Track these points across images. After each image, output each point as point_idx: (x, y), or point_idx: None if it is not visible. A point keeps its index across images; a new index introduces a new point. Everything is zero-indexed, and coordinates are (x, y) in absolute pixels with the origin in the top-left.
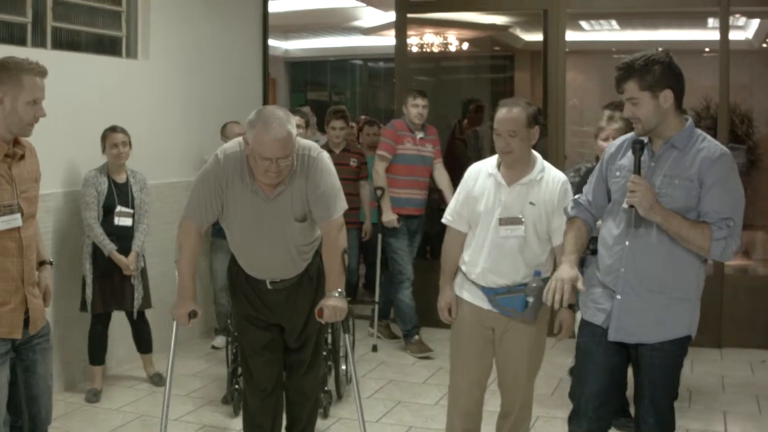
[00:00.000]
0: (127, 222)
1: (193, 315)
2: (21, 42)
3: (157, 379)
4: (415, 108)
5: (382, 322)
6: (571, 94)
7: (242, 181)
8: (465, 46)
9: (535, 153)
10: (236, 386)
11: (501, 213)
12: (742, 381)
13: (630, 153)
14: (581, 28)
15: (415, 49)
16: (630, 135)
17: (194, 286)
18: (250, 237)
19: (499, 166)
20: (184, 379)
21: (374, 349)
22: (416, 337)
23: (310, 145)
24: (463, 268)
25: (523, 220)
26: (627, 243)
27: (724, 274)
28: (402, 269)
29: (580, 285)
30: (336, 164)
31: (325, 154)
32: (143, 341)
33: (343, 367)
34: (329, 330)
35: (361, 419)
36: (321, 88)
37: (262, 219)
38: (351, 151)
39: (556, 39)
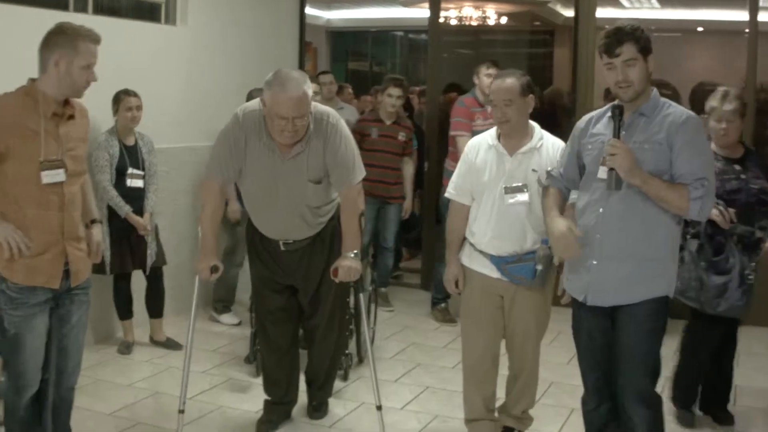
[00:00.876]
0: (138, 183)
1: (214, 269)
2: (63, 7)
3: (171, 343)
4: (489, 78)
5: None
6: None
7: (260, 140)
8: (503, 20)
9: (532, 122)
10: (258, 347)
11: (505, 182)
12: (759, 358)
13: (600, 123)
14: (621, 6)
15: (453, 22)
16: (597, 111)
17: (215, 243)
18: (264, 196)
19: (499, 137)
20: (211, 336)
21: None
22: (443, 305)
23: (329, 110)
24: (471, 239)
25: (527, 187)
26: (601, 210)
27: None
28: None
29: (576, 231)
30: (384, 136)
31: (343, 121)
32: (156, 304)
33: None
34: (351, 296)
35: (373, 375)
36: (362, 58)
37: (277, 178)
38: (401, 125)
39: (586, 15)
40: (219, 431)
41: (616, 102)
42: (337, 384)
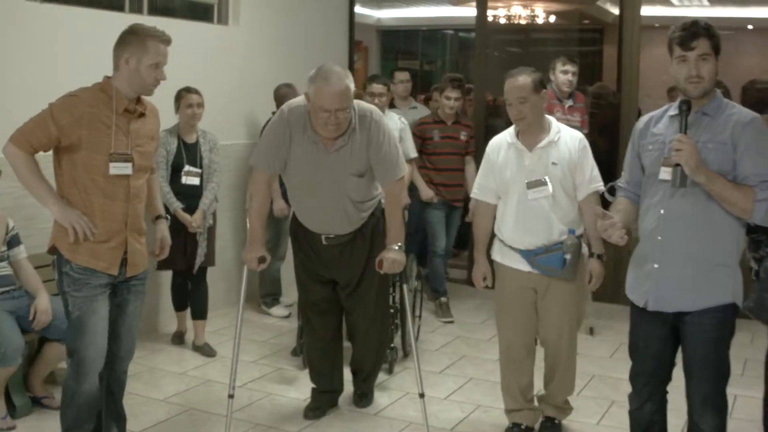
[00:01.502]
0: (194, 181)
1: (262, 260)
2: (119, 8)
3: (207, 350)
4: (565, 75)
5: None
6: (661, 70)
7: (304, 134)
8: (552, 18)
9: (548, 116)
10: (303, 340)
11: (527, 177)
12: None
13: (661, 123)
14: (670, 3)
15: (502, 21)
16: (656, 111)
17: (264, 234)
18: (308, 188)
19: (517, 135)
20: (260, 328)
21: None
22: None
23: (371, 107)
24: (500, 236)
25: (548, 180)
26: (662, 211)
27: None
28: None
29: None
30: (445, 137)
31: (385, 119)
32: (200, 305)
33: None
34: (393, 291)
35: (417, 363)
36: (412, 56)
37: (320, 170)
38: (462, 124)
39: (632, 13)
40: (268, 417)
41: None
42: (382, 376)
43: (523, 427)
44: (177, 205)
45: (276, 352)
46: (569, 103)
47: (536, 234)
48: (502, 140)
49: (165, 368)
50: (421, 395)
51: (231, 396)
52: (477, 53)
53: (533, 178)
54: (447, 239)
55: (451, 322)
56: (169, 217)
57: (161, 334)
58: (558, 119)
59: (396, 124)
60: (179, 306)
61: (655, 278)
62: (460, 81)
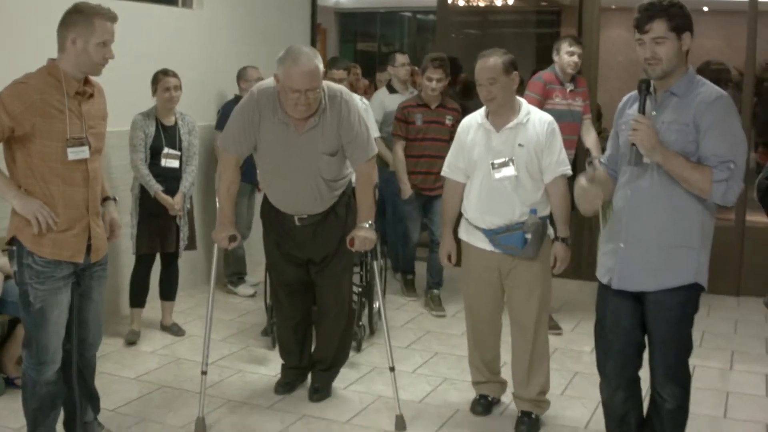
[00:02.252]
0: (173, 164)
1: (232, 239)
2: None
3: (176, 329)
4: (571, 56)
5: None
6: (617, 51)
7: (274, 115)
8: (510, 1)
9: (519, 99)
10: (274, 320)
11: (493, 157)
12: (754, 326)
13: (636, 104)
14: None
15: (461, 3)
16: (635, 91)
17: (233, 213)
18: (280, 170)
19: (487, 115)
20: (227, 308)
21: None
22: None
23: (341, 88)
24: (466, 214)
25: (513, 161)
26: (629, 192)
27: (745, 225)
28: None
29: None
30: (430, 122)
31: (355, 98)
32: (170, 287)
33: (376, 304)
34: (361, 271)
35: (387, 338)
36: (370, 39)
37: (291, 151)
38: (447, 107)
39: None
40: (239, 393)
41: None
42: (352, 357)
43: (489, 398)
44: (157, 188)
45: (243, 330)
46: (570, 87)
47: (498, 213)
48: (473, 120)
49: (134, 348)
50: (392, 369)
51: (204, 373)
52: (439, 35)
53: (499, 158)
54: (435, 228)
55: (443, 316)
56: (117, 198)
57: (125, 316)
58: (557, 104)
59: (359, 105)
60: (138, 302)
61: (620, 257)
62: (442, 60)
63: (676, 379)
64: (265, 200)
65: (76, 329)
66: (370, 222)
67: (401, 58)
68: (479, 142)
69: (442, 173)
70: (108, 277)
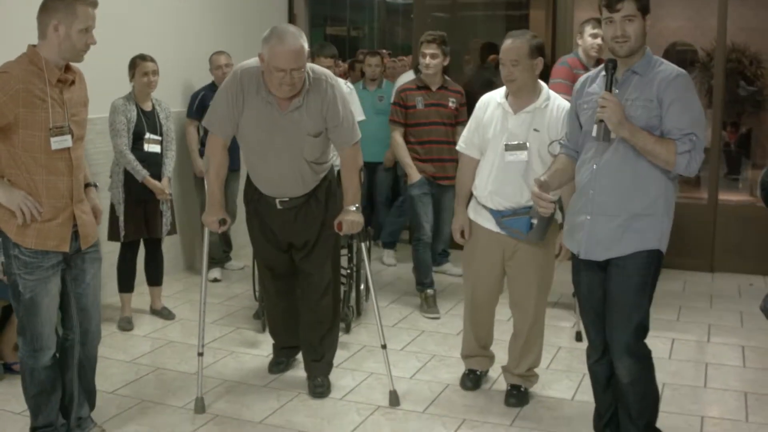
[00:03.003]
0: (156, 149)
1: (222, 222)
2: None
3: (166, 313)
4: (595, 39)
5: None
6: None
7: (258, 95)
8: None
9: (541, 83)
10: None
11: (507, 139)
12: (729, 301)
13: (596, 83)
14: None
15: None
16: (592, 71)
17: (223, 197)
18: (263, 150)
19: (507, 96)
20: (214, 291)
21: None
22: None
23: (326, 71)
24: (475, 192)
25: (527, 145)
26: (594, 166)
27: (717, 203)
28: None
29: (542, 183)
30: (432, 105)
31: (340, 82)
32: (156, 272)
33: (362, 286)
34: (348, 254)
35: (378, 316)
36: (340, 23)
37: (275, 131)
38: (449, 89)
39: None
40: (234, 373)
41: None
42: (342, 338)
43: (477, 372)
44: (145, 173)
45: (232, 313)
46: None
47: (506, 196)
48: (492, 98)
49: (127, 332)
50: (383, 346)
51: (201, 354)
52: (416, 19)
53: (513, 141)
54: (439, 223)
55: (437, 318)
56: (98, 184)
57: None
58: None
59: (343, 89)
60: (127, 286)
61: (587, 229)
62: (436, 36)
63: (629, 352)
64: (249, 183)
65: (77, 318)
66: (357, 205)
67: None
68: (495, 121)
69: (458, 148)
70: (102, 259)
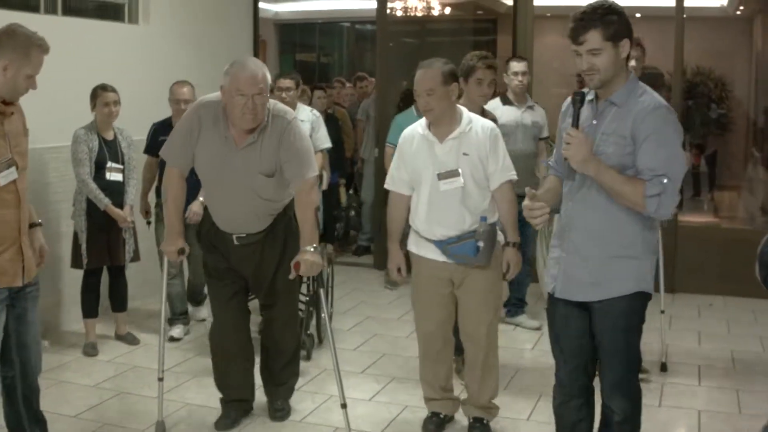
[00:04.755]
0: (118, 177)
1: (181, 251)
2: (34, 9)
3: (130, 338)
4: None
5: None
6: (552, 57)
7: (215, 128)
8: (447, 10)
9: (460, 107)
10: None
11: (438, 168)
12: (688, 321)
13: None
14: None
15: (399, 13)
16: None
17: (182, 226)
18: (216, 185)
19: (429, 126)
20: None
21: None
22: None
23: (286, 109)
24: (414, 226)
25: (459, 171)
26: (570, 203)
27: (678, 225)
28: None
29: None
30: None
31: (299, 121)
32: (120, 299)
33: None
34: (307, 281)
35: (337, 375)
36: (309, 49)
37: (228, 167)
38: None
39: (524, 4)
40: (196, 395)
41: (578, 89)
42: (302, 380)
43: (441, 416)
44: (107, 202)
45: (195, 339)
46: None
47: (448, 225)
48: (414, 131)
49: (92, 357)
50: (343, 405)
51: (161, 379)
52: (379, 46)
53: (444, 169)
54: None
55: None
56: (42, 222)
57: (68, 331)
58: None
59: (308, 116)
60: (91, 312)
61: (562, 266)
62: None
63: (623, 391)
64: (206, 216)
65: (17, 354)
66: (315, 245)
67: (518, 66)
68: (422, 154)
69: (386, 185)
70: (40, 296)
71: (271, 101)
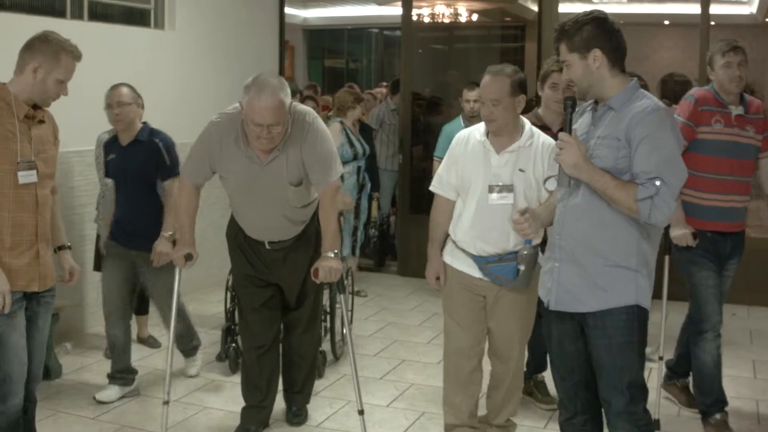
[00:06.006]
0: None
1: (188, 257)
2: (61, 14)
3: (152, 341)
4: (728, 69)
5: (678, 382)
6: None
7: (237, 146)
8: (475, 17)
9: (523, 119)
10: (233, 344)
11: (490, 180)
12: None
13: (582, 118)
14: (590, 1)
15: (426, 20)
16: (582, 105)
17: (192, 234)
18: (246, 201)
19: (488, 133)
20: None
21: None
22: (717, 416)
23: (307, 110)
24: (453, 236)
25: (513, 187)
26: (562, 209)
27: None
28: (702, 312)
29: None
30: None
31: (320, 120)
32: (142, 302)
33: (339, 325)
34: (327, 288)
35: (355, 381)
36: (338, 55)
37: (256, 184)
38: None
39: (549, 10)
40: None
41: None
42: (320, 383)
43: None
44: None
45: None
46: (738, 111)
47: (491, 242)
48: (471, 135)
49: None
50: (360, 412)
51: (166, 403)
52: (404, 52)
53: (498, 182)
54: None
55: (554, 409)
56: (71, 246)
57: (90, 334)
58: (718, 133)
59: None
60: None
61: (555, 277)
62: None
63: (626, 419)
64: (233, 221)
65: None
66: (335, 251)
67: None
68: (476, 160)
69: (431, 188)
70: (64, 299)
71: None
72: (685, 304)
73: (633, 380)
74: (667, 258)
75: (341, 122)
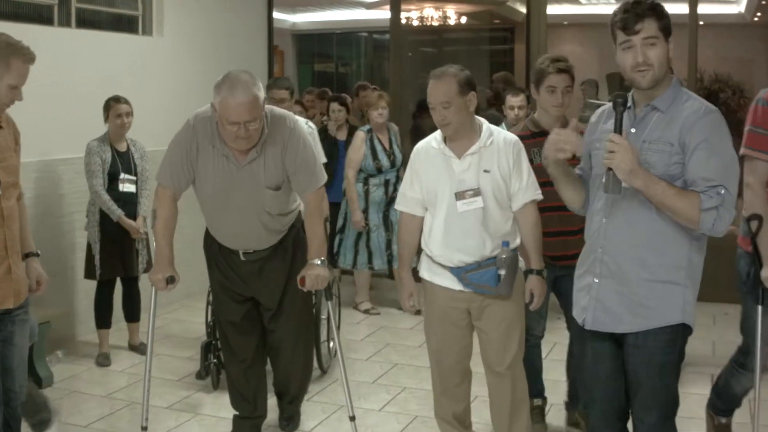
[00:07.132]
0: (131, 188)
1: (170, 280)
2: (48, 22)
3: (143, 349)
4: None
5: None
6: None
7: (213, 147)
8: (463, 19)
9: (479, 119)
10: (214, 360)
11: (456, 187)
12: (702, 329)
13: (602, 123)
14: (578, 2)
15: (415, 23)
16: (608, 104)
17: (171, 252)
18: (221, 204)
19: (445, 139)
20: (165, 349)
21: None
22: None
23: (285, 113)
24: (428, 251)
25: (480, 190)
26: (604, 220)
27: None
28: None
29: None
30: None
31: (301, 123)
32: (134, 309)
33: (324, 337)
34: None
35: (346, 388)
36: (327, 59)
37: (233, 186)
38: None
39: (538, 12)
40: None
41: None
42: (314, 389)
43: None
44: (120, 213)
45: (181, 378)
46: None
47: (467, 251)
48: (428, 145)
49: (104, 368)
50: (352, 418)
51: (144, 428)
52: (392, 55)
53: (463, 187)
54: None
55: None
56: (40, 252)
57: (81, 342)
58: None
59: (305, 129)
60: (104, 323)
61: (594, 294)
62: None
63: None
64: (207, 234)
65: (0, 379)
66: (322, 258)
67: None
68: (438, 170)
69: (396, 206)
70: (30, 320)
71: (267, 107)
72: None
73: (670, 399)
74: (759, 309)
75: (368, 131)
